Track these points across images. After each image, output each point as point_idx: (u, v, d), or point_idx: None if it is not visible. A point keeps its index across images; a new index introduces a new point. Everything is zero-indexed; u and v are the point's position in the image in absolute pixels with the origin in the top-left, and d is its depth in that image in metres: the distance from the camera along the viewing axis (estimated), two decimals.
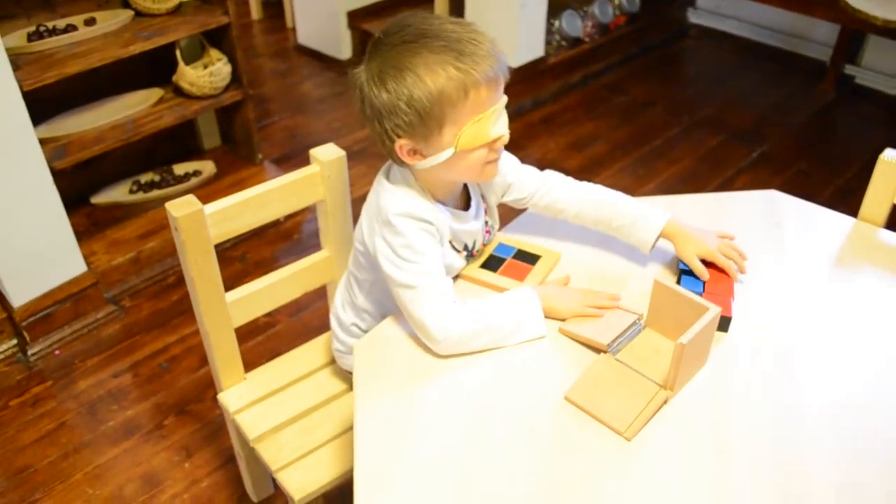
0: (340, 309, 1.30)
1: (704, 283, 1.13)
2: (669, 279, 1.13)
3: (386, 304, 1.22)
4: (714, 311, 0.97)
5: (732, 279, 1.14)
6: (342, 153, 1.28)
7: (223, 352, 1.31)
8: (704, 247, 1.15)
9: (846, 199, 2.53)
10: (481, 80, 0.98)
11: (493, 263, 1.21)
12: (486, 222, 1.22)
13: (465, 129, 1.01)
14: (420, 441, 0.93)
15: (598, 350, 1.05)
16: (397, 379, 1.02)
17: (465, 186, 1.17)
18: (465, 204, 1.18)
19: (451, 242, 1.14)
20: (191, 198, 1.15)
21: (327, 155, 1.26)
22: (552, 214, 1.25)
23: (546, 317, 1.09)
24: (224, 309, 1.26)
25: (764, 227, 1.29)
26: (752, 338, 1.07)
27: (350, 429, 1.29)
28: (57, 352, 2.02)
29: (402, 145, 1.04)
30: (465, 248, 1.18)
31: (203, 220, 1.15)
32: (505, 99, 1.05)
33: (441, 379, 1.02)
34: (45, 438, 1.79)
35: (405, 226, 1.05)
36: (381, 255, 1.07)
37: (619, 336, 1.05)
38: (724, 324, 1.07)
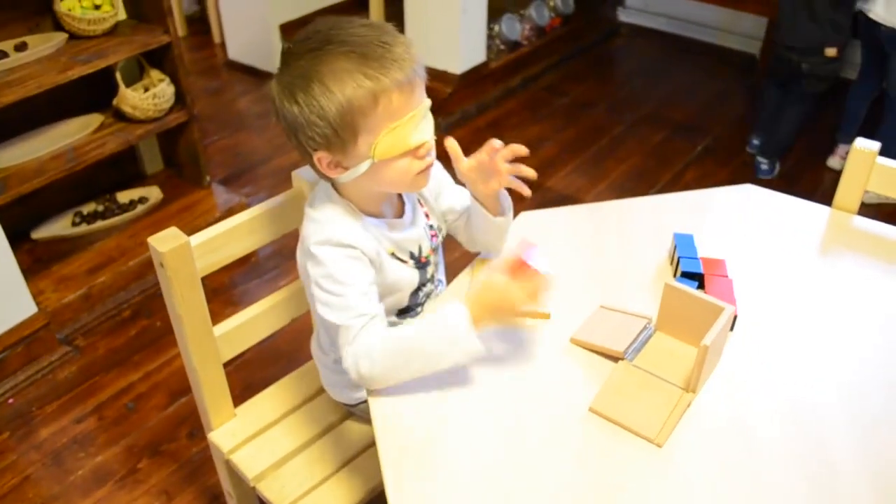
0: (319, 351, 1.25)
1: (703, 276, 1.14)
2: (671, 282, 1.13)
3: None
4: (729, 311, 0.98)
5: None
6: None
7: (212, 390, 1.24)
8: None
9: (791, 184, 2.61)
10: (392, 86, 0.92)
11: None
12: (431, 226, 1.16)
13: (381, 137, 0.95)
14: (449, 469, 0.90)
15: (613, 358, 1.04)
16: (414, 408, 0.98)
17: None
18: (402, 211, 1.13)
19: (394, 254, 1.08)
20: (175, 230, 1.09)
21: (311, 176, 1.22)
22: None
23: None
24: (213, 344, 1.19)
25: (745, 221, 1.31)
26: (753, 331, 1.08)
27: (354, 457, 1.26)
28: (10, 400, 1.89)
29: (320, 158, 0.99)
30: (412, 256, 1.12)
31: (190, 253, 1.09)
32: (427, 103, 0.99)
33: (459, 404, 0.98)
34: (10, 495, 1.67)
35: (325, 254, 0.99)
36: (309, 288, 1.02)
37: (633, 342, 1.04)
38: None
